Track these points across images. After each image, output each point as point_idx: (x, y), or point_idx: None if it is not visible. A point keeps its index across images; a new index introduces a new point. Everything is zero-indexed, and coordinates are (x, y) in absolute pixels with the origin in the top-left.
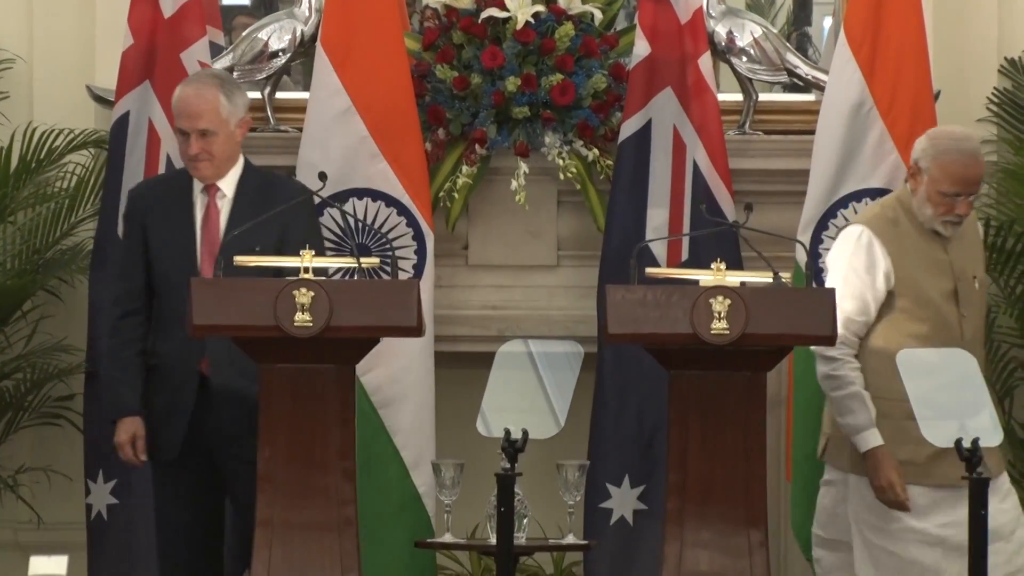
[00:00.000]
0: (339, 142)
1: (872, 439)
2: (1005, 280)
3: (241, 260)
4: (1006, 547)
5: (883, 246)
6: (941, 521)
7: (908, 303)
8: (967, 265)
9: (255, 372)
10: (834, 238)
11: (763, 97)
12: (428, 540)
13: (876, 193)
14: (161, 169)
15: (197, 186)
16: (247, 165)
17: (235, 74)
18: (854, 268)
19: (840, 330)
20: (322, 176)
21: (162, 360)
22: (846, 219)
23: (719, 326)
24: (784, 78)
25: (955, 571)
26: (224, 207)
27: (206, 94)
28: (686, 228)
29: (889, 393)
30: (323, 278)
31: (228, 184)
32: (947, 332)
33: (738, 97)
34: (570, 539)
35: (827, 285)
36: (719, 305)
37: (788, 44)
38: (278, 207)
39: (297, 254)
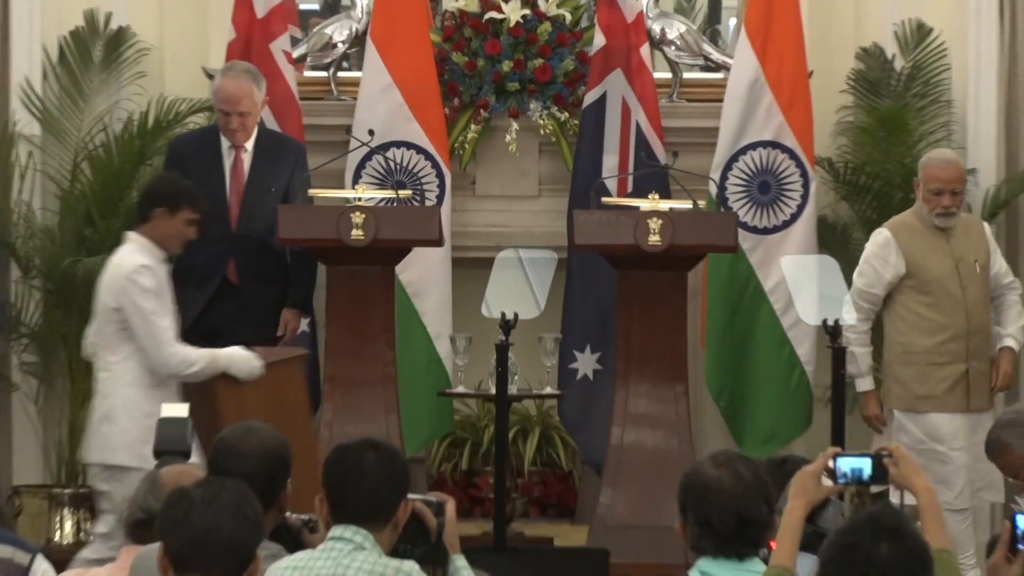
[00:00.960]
0: (382, 108)
1: (864, 384)
2: (859, 206)
3: (315, 192)
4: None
5: (896, 242)
6: (956, 445)
7: (917, 282)
8: (967, 252)
9: (268, 278)
10: (737, 176)
11: (686, 75)
12: (447, 391)
13: (767, 144)
14: None
15: (224, 143)
16: (260, 127)
17: (308, 59)
18: (868, 257)
19: (854, 299)
20: (371, 132)
21: (192, 267)
22: (745, 163)
23: (654, 239)
24: (701, 62)
25: (960, 484)
26: (247, 159)
27: (243, 85)
28: (630, 169)
29: (913, 347)
30: (371, 204)
31: (249, 143)
32: (951, 301)
33: (668, 75)
34: (547, 390)
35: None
36: (654, 224)
37: (704, 37)
38: (285, 157)
39: (296, 194)
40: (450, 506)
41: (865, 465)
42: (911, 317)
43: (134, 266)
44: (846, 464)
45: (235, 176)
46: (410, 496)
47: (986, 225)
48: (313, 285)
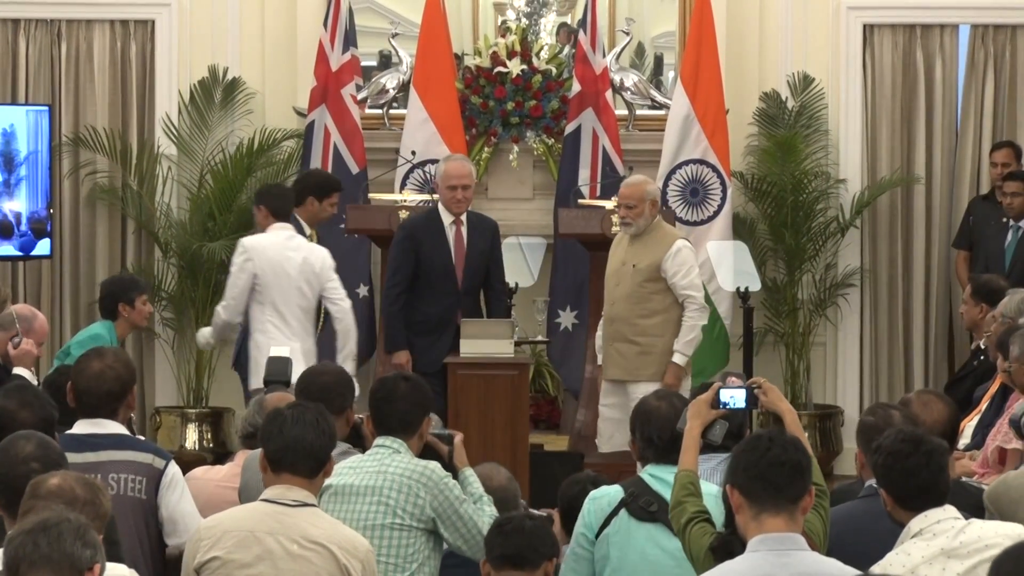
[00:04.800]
0: (421, 135)
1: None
2: (762, 206)
3: (373, 196)
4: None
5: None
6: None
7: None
8: (633, 257)
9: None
10: (676, 184)
11: (639, 112)
12: None
13: (696, 162)
14: (331, 153)
15: (446, 219)
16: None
17: (368, 101)
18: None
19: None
20: (413, 153)
21: (427, 317)
22: (681, 175)
23: (616, 229)
24: (649, 102)
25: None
26: (464, 231)
27: (467, 166)
28: (599, 179)
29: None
30: (412, 204)
31: (463, 219)
32: (607, 294)
33: (625, 112)
34: (539, 338)
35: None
36: (615, 217)
37: (651, 84)
38: (484, 233)
39: (500, 265)
40: (457, 437)
41: (741, 395)
42: None
43: (327, 256)
44: (727, 394)
45: (458, 245)
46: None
47: (678, 243)
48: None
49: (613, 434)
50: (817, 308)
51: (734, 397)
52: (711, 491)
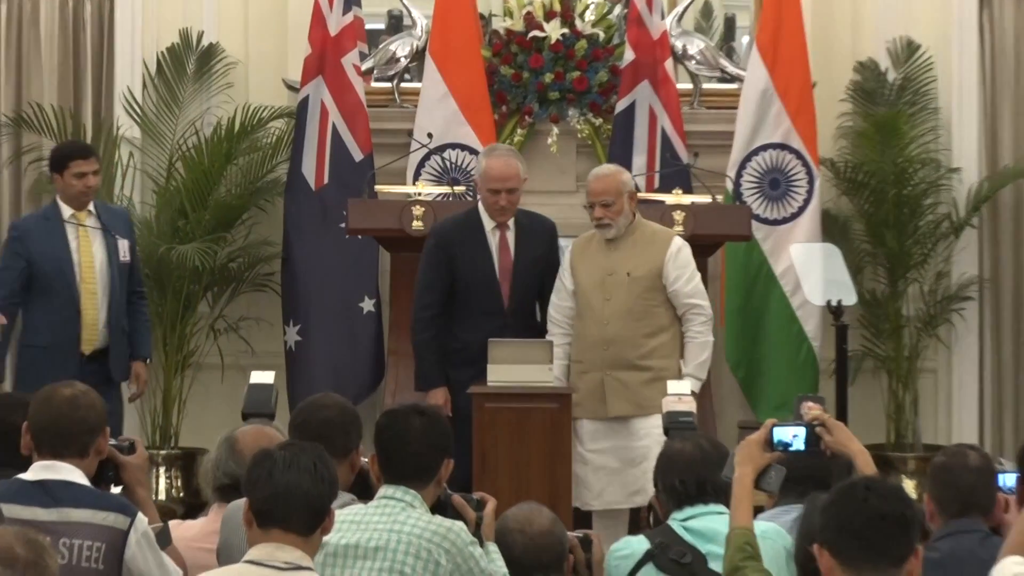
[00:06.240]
0: (440, 114)
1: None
2: (858, 200)
3: (380, 188)
4: (634, 471)
5: (570, 254)
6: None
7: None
8: (623, 263)
9: None
10: (751, 174)
11: (705, 86)
12: None
13: (777, 146)
14: (329, 135)
15: (487, 224)
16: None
17: (375, 72)
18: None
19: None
20: (429, 135)
21: (466, 345)
22: (758, 163)
23: (678, 229)
24: (718, 74)
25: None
26: (511, 237)
27: (512, 163)
28: (657, 168)
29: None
30: (429, 199)
31: (511, 222)
32: (590, 312)
33: (689, 86)
34: None
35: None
36: (678, 216)
37: (721, 52)
38: (537, 236)
39: (555, 265)
40: (490, 505)
41: (800, 434)
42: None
43: None
44: (783, 433)
45: (503, 254)
46: (453, 494)
47: (676, 240)
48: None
49: (605, 488)
50: (926, 326)
51: (795, 436)
52: (776, 549)
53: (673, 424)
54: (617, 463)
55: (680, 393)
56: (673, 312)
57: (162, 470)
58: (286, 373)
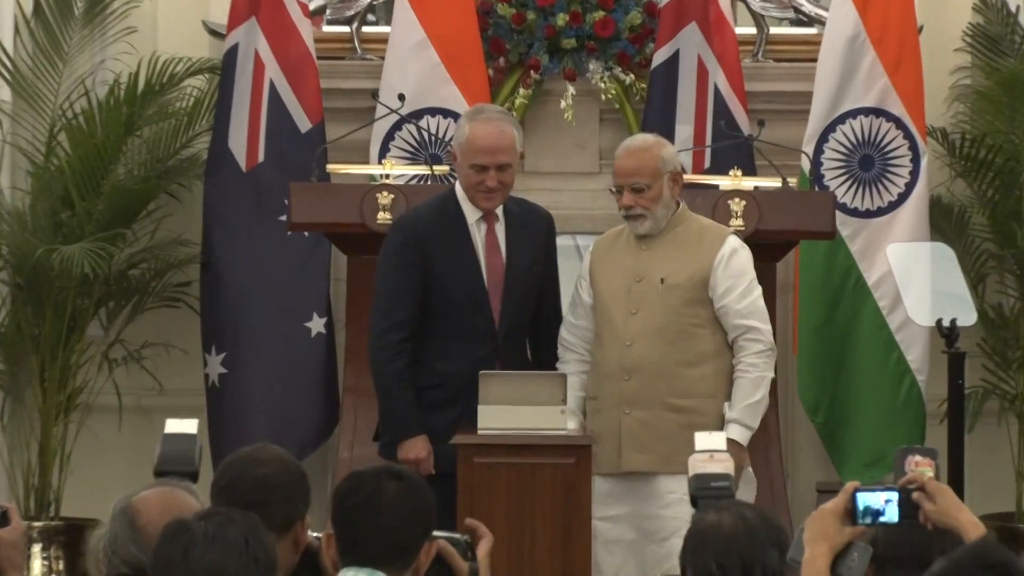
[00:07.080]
0: (415, 68)
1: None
2: (979, 184)
3: (334, 168)
4: (657, 550)
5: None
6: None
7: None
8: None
9: None
10: (835, 150)
11: (773, 30)
12: None
13: (870, 112)
14: (265, 96)
15: (470, 215)
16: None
17: (327, 12)
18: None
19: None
20: (401, 97)
21: (445, 380)
22: (844, 134)
23: (736, 223)
24: (791, 14)
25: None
26: (500, 233)
27: (506, 130)
28: (708, 141)
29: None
30: (401, 182)
31: (500, 211)
32: (610, 329)
33: (752, 30)
34: None
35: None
36: (736, 205)
37: None
38: (533, 231)
39: (556, 283)
40: (483, 546)
41: (892, 500)
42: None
43: None
44: (869, 500)
45: (491, 255)
46: (435, 533)
47: (731, 240)
48: None
49: (620, 569)
50: None
51: (880, 505)
52: None
53: (703, 491)
54: (634, 534)
55: (713, 449)
56: (722, 336)
57: (37, 548)
58: (207, 417)
